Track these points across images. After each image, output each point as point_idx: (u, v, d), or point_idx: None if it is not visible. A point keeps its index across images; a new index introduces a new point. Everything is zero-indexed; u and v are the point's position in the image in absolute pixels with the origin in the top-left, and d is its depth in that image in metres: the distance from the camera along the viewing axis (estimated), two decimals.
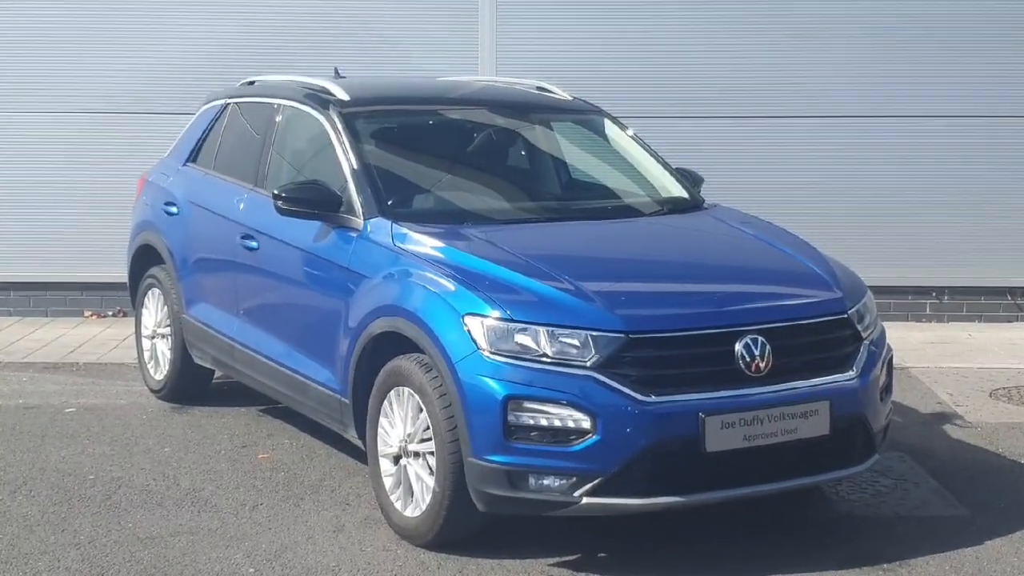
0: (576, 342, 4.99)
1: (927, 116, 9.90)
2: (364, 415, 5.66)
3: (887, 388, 5.65)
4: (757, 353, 5.14)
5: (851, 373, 5.35)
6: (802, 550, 5.37)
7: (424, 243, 5.62)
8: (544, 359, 4.97)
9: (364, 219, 5.89)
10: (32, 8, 9.92)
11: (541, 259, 5.45)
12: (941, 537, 5.52)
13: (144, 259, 7.80)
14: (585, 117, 7.22)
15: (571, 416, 4.91)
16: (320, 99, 6.58)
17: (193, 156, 7.64)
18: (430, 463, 5.27)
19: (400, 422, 5.43)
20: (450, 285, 5.27)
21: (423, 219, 5.89)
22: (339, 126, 6.31)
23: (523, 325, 5.03)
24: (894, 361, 5.90)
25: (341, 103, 6.48)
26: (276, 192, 6.06)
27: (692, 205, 6.61)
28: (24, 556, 5.25)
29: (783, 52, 9.89)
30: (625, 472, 4.92)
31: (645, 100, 9.69)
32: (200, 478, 6.25)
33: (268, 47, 9.74)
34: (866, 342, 5.51)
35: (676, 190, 6.73)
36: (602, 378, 4.93)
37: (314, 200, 6.02)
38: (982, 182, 9.96)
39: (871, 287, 5.96)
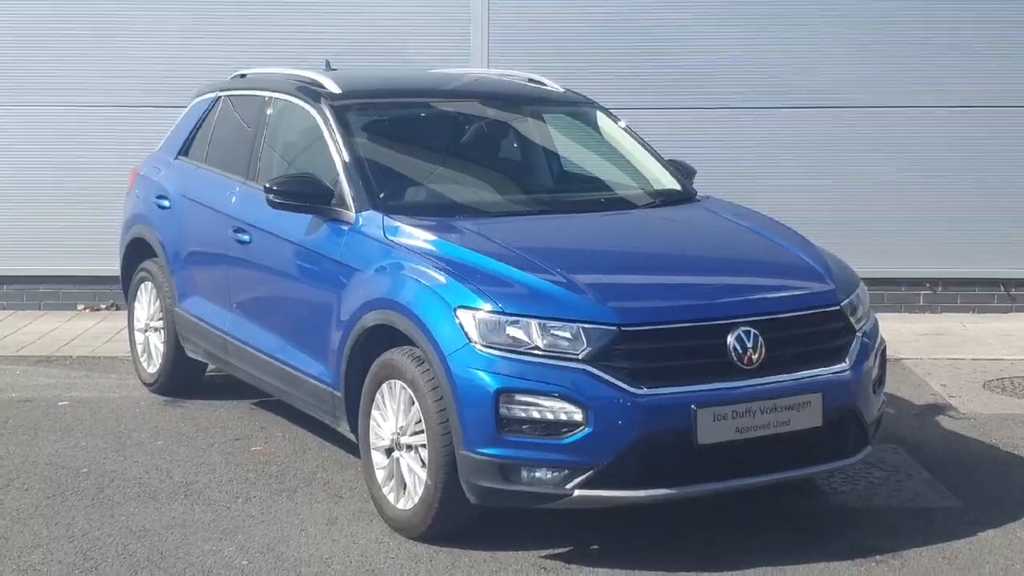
0: (568, 335, 4.98)
1: (922, 106, 9.89)
2: (356, 408, 5.66)
3: (880, 380, 5.65)
4: (749, 345, 5.13)
5: (844, 365, 5.35)
6: (794, 542, 5.37)
7: (416, 236, 5.61)
8: (536, 352, 4.97)
9: (356, 212, 5.88)
10: (24, 2, 9.91)
11: (533, 252, 5.44)
12: (934, 529, 5.53)
13: (136, 252, 7.78)
14: (577, 109, 7.19)
15: (563, 409, 4.91)
16: (311, 92, 6.57)
17: (185, 149, 7.62)
18: (422, 456, 5.26)
19: (392, 415, 5.43)
20: (442, 278, 5.26)
21: (415, 212, 5.88)
22: (330, 119, 6.30)
23: (515, 318, 5.02)
24: (887, 352, 5.89)
25: (332, 96, 6.46)
26: (268, 185, 6.04)
27: (684, 197, 6.59)
28: (17, 549, 5.25)
29: (777, 42, 9.85)
30: (617, 464, 4.92)
31: (637, 92, 9.67)
32: (193, 471, 6.24)
33: (260, 39, 9.72)
34: (859, 334, 5.50)
35: (668, 182, 6.72)
36: (594, 371, 4.92)
37: (306, 193, 6.01)
38: (976, 172, 9.94)
39: (864, 278, 5.95)
